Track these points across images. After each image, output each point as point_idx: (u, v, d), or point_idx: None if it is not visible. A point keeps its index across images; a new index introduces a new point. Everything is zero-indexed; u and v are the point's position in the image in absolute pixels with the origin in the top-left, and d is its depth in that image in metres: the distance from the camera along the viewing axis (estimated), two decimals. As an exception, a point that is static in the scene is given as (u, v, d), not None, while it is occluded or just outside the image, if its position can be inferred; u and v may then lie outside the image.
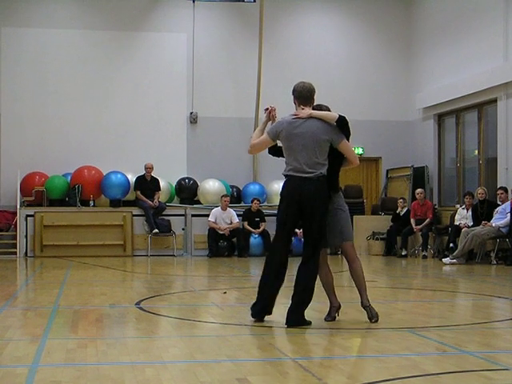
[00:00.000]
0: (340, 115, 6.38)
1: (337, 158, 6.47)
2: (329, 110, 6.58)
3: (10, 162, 16.60)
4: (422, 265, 13.83)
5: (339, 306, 6.68)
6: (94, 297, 8.59)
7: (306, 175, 6.26)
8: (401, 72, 18.46)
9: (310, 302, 6.46)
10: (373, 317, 6.46)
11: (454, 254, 13.65)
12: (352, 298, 8.43)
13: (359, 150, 18.00)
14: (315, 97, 6.64)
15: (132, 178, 16.34)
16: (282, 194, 6.50)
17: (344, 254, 6.70)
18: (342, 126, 6.36)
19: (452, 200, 16.88)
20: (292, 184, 6.35)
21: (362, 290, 6.52)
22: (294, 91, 6.59)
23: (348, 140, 6.45)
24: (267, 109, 6.75)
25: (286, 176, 6.44)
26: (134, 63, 17.46)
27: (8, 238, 15.95)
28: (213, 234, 15.55)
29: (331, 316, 6.63)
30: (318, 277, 6.59)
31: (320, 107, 6.59)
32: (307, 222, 6.36)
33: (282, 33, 18.01)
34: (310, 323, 6.40)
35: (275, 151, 6.70)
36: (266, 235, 15.83)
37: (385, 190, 18.27)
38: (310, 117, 6.38)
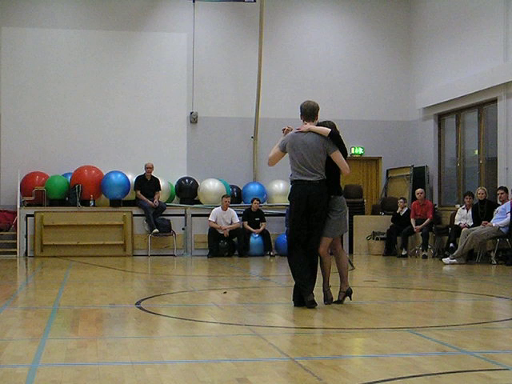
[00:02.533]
0: (331, 131, 7.45)
1: (336, 166, 7.57)
2: (334, 127, 7.59)
3: (10, 161, 16.60)
4: (422, 265, 13.83)
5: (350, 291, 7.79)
6: (93, 297, 8.59)
7: (310, 179, 7.45)
8: (401, 72, 18.46)
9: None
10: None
11: (454, 254, 13.65)
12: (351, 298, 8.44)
13: (359, 150, 18.02)
14: (320, 113, 7.70)
15: (132, 178, 16.34)
16: (291, 197, 7.65)
17: (333, 245, 7.82)
18: (335, 139, 7.47)
19: (452, 200, 16.88)
20: (300, 187, 7.51)
21: (344, 276, 7.75)
22: (300, 109, 7.67)
23: (343, 151, 7.52)
24: (284, 129, 7.76)
25: (293, 181, 7.62)
26: (133, 63, 17.46)
27: (8, 237, 15.95)
28: (213, 233, 15.54)
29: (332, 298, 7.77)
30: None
31: (324, 124, 7.62)
32: (314, 218, 7.48)
33: (282, 33, 18.01)
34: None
35: None
36: (266, 235, 15.85)
37: (385, 189, 18.27)
38: (309, 131, 7.51)
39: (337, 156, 7.46)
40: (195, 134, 17.58)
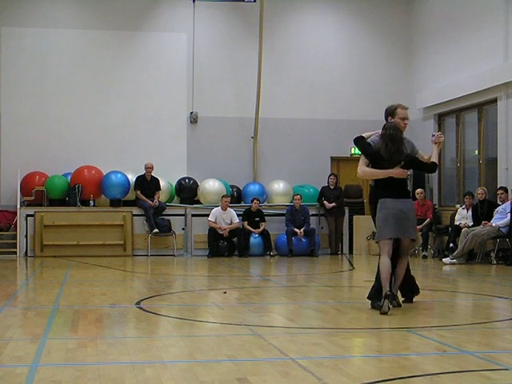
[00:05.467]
0: (354, 138, 7.57)
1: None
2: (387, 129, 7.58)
3: (10, 161, 16.60)
4: (422, 265, 13.83)
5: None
6: (94, 296, 8.59)
7: None
8: (401, 72, 18.45)
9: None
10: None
11: (454, 254, 13.64)
12: (351, 298, 8.44)
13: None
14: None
15: (132, 178, 16.34)
16: None
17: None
18: (355, 145, 7.63)
19: (452, 200, 16.87)
20: None
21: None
22: None
23: (366, 155, 7.42)
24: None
25: None
26: (134, 63, 17.46)
27: (8, 237, 15.95)
28: (213, 233, 15.54)
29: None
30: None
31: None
32: None
33: (282, 33, 18.01)
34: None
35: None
36: (266, 235, 15.84)
37: (385, 189, 18.22)
38: None
39: None
40: (195, 134, 17.58)
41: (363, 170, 7.39)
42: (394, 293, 7.17)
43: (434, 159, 7.47)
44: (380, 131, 7.50)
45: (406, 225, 7.22)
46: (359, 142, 7.47)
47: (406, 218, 7.23)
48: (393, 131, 7.42)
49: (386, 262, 7.14)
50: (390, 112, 7.69)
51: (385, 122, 7.61)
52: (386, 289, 6.96)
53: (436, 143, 7.57)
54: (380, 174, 7.32)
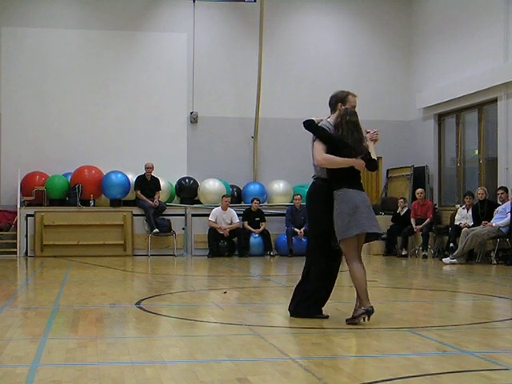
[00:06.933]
0: (304, 121, 6.65)
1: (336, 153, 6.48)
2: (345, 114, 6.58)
3: (10, 161, 16.60)
4: (422, 265, 13.83)
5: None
6: (94, 296, 8.59)
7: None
8: (401, 72, 18.46)
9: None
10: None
11: (454, 253, 13.65)
12: (351, 298, 8.44)
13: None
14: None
15: (132, 178, 16.34)
16: None
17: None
18: (308, 129, 6.62)
19: (452, 200, 16.88)
20: None
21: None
22: None
23: (329, 141, 6.48)
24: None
25: None
26: (134, 63, 17.46)
27: (8, 237, 15.95)
28: (213, 233, 15.54)
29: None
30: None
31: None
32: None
33: (282, 33, 18.01)
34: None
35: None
36: (266, 235, 15.84)
37: (385, 189, 18.26)
38: None
39: (313, 146, 6.55)
40: (195, 134, 17.58)
41: (325, 156, 6.42)
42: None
43: (374, 156, 6.59)
44: (327, 118, 6.70)
45: (373, 218, 6.45)
46: (315, 126, 6.60)
47: (371, 211, 6.48)
48: (355, 118, 6.50)
49: (359, 268, 6.45)
50: (341, 98, 6.71)
51: (330, 110, 6.77)
52: (368, 303, 6.36)
53: (372, 140, 6.65)
54: (344, 163, 6.42)
